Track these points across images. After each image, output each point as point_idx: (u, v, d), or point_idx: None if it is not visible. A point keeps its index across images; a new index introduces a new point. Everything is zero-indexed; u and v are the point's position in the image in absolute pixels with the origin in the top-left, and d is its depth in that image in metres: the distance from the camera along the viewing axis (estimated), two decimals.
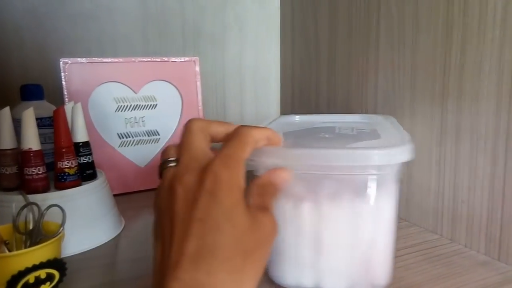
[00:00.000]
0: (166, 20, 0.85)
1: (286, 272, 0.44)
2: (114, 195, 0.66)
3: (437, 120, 0.59)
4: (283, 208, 0.42)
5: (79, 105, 0.62)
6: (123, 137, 0.82)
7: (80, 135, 0.62)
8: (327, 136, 0.50)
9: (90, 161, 0.62)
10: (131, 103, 0.83)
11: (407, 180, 0.64)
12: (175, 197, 0.31)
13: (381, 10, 0.67)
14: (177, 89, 0.86)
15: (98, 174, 0.64)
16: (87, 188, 0.59)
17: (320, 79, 0.84)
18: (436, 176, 0.60)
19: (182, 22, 0.87)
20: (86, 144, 0.62)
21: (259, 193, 0.34)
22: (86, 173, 0.62)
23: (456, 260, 0.53)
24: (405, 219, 0.66)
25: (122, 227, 0.64)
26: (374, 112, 0.71)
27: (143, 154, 0.84)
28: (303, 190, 0.41)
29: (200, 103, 0.88)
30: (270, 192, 0.35)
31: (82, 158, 0.61)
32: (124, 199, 0.76)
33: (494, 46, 0.51)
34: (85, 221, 0.58)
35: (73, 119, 0.61)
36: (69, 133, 0.58)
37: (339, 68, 0.78)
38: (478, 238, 0.55)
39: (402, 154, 0.39)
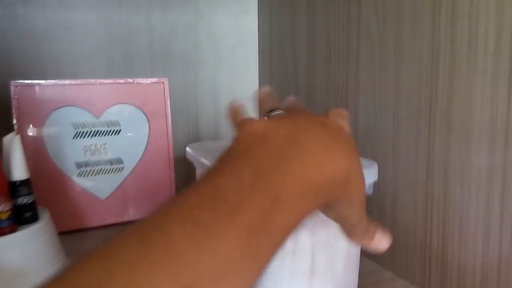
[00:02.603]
0: (131, 39, 0.79)
1: None
2: (67, 232, 0.59)
3: (422, 158, 0.52)
4: None
5: (18, 137, 0.55)
6: (81, 166, 0.75)
7: (18, 173, 0.54)
8: None
9: (29, 202, 0.55)
10: (92, 129, 0.75)
11: (392, 223, 0.57)
12: None
13: (360, 30, 0.60)
14: (143, 113, 0.79)
15: (41, 213, 0.57)
16: (23, 234, 0.52)
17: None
18: (422, 222, 0.53)
19: (149, 41, 0.80)
20: (25, 182, 0.55)
21: None
22: (25, 215, 0.54)
23: None
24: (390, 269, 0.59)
25: None
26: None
27: (104, 185, 0.77)
28: None
29: (169, 129, 0.81)
30: None
31: (19, 200, 0.53)
32: (78, 236, 0.69)
33: (486, 77, 0.44)
34: (22, 273, 0.51)
35: (10, 153, 0.54)
36: (1, 170, 0.51)
37: (318, 93, 0.72)
38: None
39: None
